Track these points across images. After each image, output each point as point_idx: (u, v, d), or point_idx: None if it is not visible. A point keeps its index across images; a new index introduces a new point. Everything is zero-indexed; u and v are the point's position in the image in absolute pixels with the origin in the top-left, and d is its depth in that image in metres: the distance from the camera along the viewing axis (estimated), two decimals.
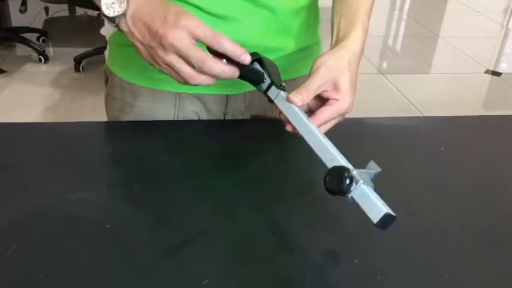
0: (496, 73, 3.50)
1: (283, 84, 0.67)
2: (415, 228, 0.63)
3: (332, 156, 0.57)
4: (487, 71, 3.52)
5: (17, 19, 3.55)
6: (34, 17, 3.80)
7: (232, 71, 0.62)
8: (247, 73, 0.65)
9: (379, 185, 0.68)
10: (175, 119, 0.85)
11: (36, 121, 2.40)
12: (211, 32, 0.60)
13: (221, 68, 0.61)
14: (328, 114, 0.65)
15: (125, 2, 0.62)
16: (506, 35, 4.56)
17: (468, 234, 0.63)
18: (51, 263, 0.54)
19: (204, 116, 0.87)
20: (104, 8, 0.62)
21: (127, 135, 0.78)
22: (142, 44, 0.63)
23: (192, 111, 0.85)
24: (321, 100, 0.67)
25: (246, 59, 0.62)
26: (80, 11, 3.78)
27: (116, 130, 0.83)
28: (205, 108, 0.86)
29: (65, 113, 2.62)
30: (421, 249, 0.60)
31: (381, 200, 0.52)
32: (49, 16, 3.92)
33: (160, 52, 0.61)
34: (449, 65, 3.66)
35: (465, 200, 0.70)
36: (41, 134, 0.78)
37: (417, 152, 0.80)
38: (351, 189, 0.53)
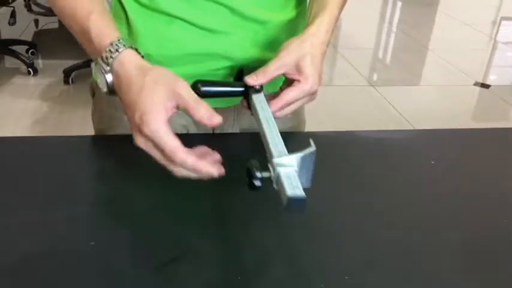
0: (485, 85, 3.53)
1: (259, 87, 0.69)
2: (404, 243, 0.62)
3: (270, 153, 0.57)
4: (476, 83, 3.55)
5: (6, 31, 3.53)
6: (23, 29, 3.79)
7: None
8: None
9: (374, 198, 0.67)
10: None
11: (24, 134, 2.38)
12: (168, 145, 0.58)
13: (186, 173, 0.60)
14: (290, 96, 0.68)
15: (109, 76, 0.63)
16: (494, 47, 4.61)
17: (460, 248, 0.62)
18: (32, 283, 0.52)
19: (193, 130, 0.86)
20: (100, 86, 0.65)
21: (114, 149, 0.77)
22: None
23: (180, 124, 0.84)
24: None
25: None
26: None
27: (103, 144, 0.81)
28: (194, 121, 0.85)
29: (53, 126, 2.60)
30: (411, 264, 0.59)
31: (294, 182, 0.50)
32: (39, 28, 3.90)
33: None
34: (438, 77, 3.68)
35: (456, 213, 0.69)
36: (27, 148, 0.77)
37: (407, 165, 0.80)
38: (272, 178, 0.53)
